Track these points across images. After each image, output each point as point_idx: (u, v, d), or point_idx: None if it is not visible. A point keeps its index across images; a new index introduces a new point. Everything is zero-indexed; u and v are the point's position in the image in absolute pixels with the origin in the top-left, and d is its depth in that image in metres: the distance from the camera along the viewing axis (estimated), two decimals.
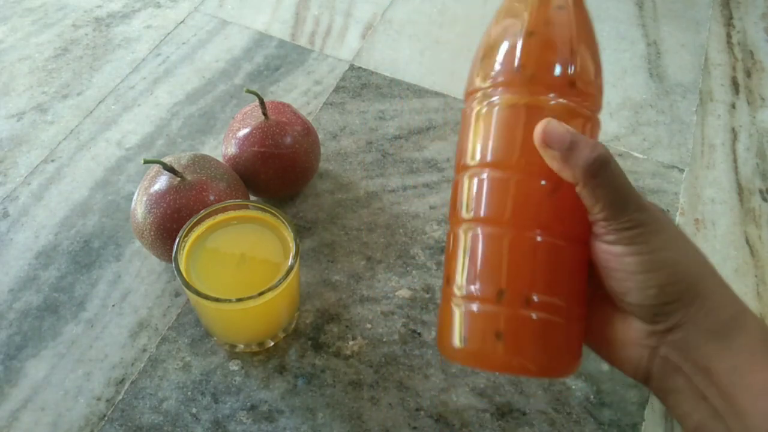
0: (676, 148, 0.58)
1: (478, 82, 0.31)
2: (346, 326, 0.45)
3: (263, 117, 0.46)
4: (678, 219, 0.53)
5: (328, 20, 0.67)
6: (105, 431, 0.40)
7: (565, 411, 0.42)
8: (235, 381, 0.42)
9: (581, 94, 0.29)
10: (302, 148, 0.47)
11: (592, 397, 0.42)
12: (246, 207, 0.41)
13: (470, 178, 0.30)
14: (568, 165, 0.27)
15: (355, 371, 0.43)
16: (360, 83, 0.61)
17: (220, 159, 0.47)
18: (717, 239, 0.52)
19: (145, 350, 0.43)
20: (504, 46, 0.30)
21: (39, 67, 0.60)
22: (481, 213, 0.30)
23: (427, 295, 0.47)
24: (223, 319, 0.40)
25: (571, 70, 0.29)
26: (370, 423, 0.41)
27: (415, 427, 0.41)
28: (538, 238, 0.29)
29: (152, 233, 0.41)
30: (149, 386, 0.41)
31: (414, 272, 0.48)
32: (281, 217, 0.40)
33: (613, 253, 0.28)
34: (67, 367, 0.42)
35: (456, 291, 0.30)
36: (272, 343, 0.43)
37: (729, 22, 0.70)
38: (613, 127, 0.58)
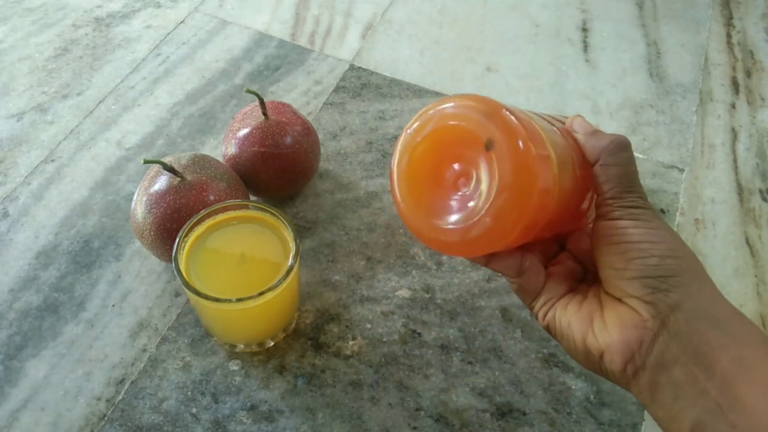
0: (676, 148, 0.58)
1: None
2: (346, 326, 0.45)
3: (263, 117, 0.46)
4: (678, 219, 0.53)
5: (328, 20, 0.67)
6: (105, 431, 0.40)
7: (565, 411, 0.42)
8: (235, 381, 0.42)
9: None
10: (302, 148, 0.47)
11: (592, 397, 0.42)
12: (246, 207, 0.41)
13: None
14: (590, 143, 0.31)
15: (355, 371, 0.43)
16: (360, 83, 0.61)
17: (220, 159, 0.47)
18: (717, 239, 0.52)
19: (145, 350, 0.43)
20: None
21: (39, 67, 0.60)
22: None
23: (427, 295, 0.47)
24: (223, 319, 0.40)
25: None
26: (370, 423, 0.41)
27: (415, 427, 0.41)
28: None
29: (152, 233, 0.41)
30: (149, 386, 0.41)
31: (414, 272, 0.48)
32: (281, 217, 0.40)
33: (618, 227, 0.29)
34: (67, 367, 0.42)
35: None
36: (272, 343, 0.43)
37: (729, 22, 0.70)
38: (613, 127, 0.58)
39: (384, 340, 0.44)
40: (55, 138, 0.55)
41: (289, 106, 0.48)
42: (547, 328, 0.33)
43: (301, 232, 0.50)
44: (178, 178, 0.41)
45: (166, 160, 0.43)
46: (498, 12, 0.69)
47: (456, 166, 0.29)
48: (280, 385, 0.42)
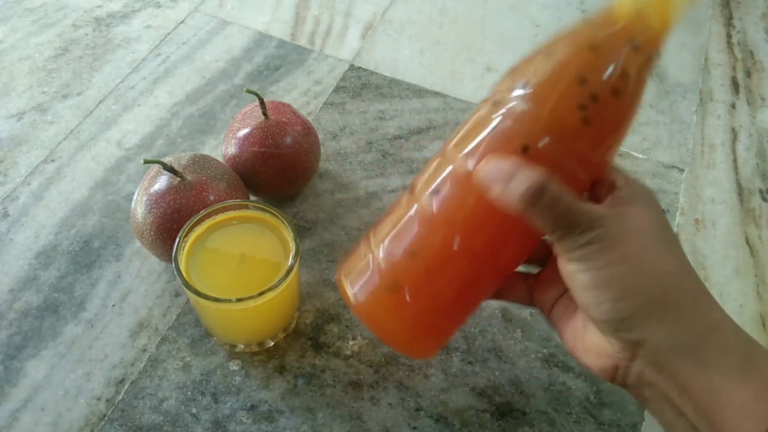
0: (676, 148, 0.58)
1: (504, 85, 0.31)
2: (346, 326, 0.45)
3: (263, 117, 0.46)
4: (678, 219, 0.53)
5: (328, 20, 0.67)
6: (105, 431, 0.40)
7: (565, 411, 0.42)
8: (235, 381, 0.42)
9: (581, 162, 0.30)
10: (302, 148, 0.47)
11: (592, 397, 0.42)
12: (246, 207, 0.41)
13: (440, 163, 0.32)
14: (506, 198, 0.28)
15: (355, 371, 0.43)
16: (360, 83, 0.61)
17: (220, 159, 0.47)
18: (717, 239, 0.52)
19: (145, 350, 0.43)
20: (552, 79, 0.29)
21: (39, 67, 0.60)
22: (426, 199, 0.31)
23: None
24: (223, 319, 0.40)
25: (584, 147, 0.29)
26: (370, 423, 0.41)
27: (415, 427, 0.41)
28: (454, 247, 0.31)
29: (152, 233, 0.41)
30: (149, 386, 0.41)
31: None
32: (281, 217, 0.40)
33: (568, 271, 0.28)
34: (67, 367, 0.42)
35: (372, 240, 0.33)
36: (272, 343, 0.43)
37: (729, 22, 0.70)
38: None
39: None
40: (55, 138, 0.55)
41: (289, 106, 0.48)
42: (555, 327, 0.34)
43: (301, 232, 0.49)
44: (178, 178, 0.41)
45: (166, 160, 0.43)
46: (498, 12, 0.69)
47: None
48: (280, 385, 0.42)
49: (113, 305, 0.45)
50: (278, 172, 0.47)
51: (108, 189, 0.51)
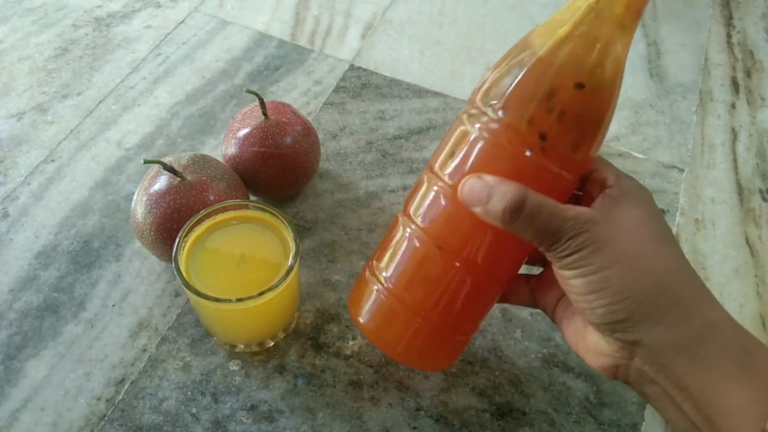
0: (676, 148, 0.58)
1: (479, 98, 0.31)
2: (346, 326, 0.45)
3: (263, 117, 0.46)
4: (678, 219, 0.53)
5: (328, 20, 0.67)
6: (105, 431, 0.40)
7: (565, 411, 0.42)
8: (235, 381, 0.42)
9: (563, 165, 0.29)
10: (302, 148, 0.47)
11: (592, 397, 0.42)
12: (246, 207, 0.41)
13: (428, 183, 0.32)
14: (489, 218, 0.28)
15: (355, 371, 0.43)
16: (360, 83, 0.61)
17: (220, 159, 0.47)
18: (717, 239, 0.52)
19: (145, 350, 0.43)
20: (519, 86, 0.29)
21: (39, 67, 0.60)
22: (420, 220, 0.33)
23: None
24: (223, 319, 0.40)
25: (565, 146, 0.29)
26: (370, 423, 0.41)
27: (415, 427, 0.41)
28: (455, 264, 0.31)
29: (152, 233, 0.41)
30: (149, 386, 0.41)
31: None
32: (281, 217, 0.40)
33: (562, 277, 0.29)
34: (67, 367, 0.42)
35: (375, 268, 0.35)
36: (272, 343, 0.43)
37: (729, 22, 0.70)
38: (613, 127, 0.58)
39: None
40: (55, 138, 0.55)
41: (289, 106, 0.48)
42: (560, 326, 0.34)
43: (301, 232, 0.49)
44: (178, 178, 0.41)
45: (166, 160, 0.43)
46: (498, 12, 0.69)
47: None
48: (280, 385, 0.42)
49: (113, 305, 0.45)
50: (278, 172, 0.47)
51: (108, 189, 0.51)
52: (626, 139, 0.58)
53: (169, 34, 0.64)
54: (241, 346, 0.43)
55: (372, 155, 0.55)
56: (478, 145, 0.30)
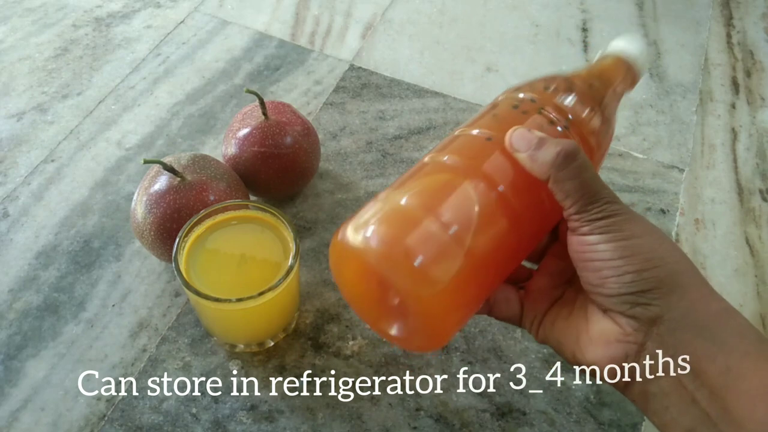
0: (676, 148, 0.58)
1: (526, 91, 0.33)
2: (346, 326, 0.45)
3: (263, 117, 0.46)
4: (678, 219, 0.53)
5: (328, 20, 0.67)
6: (105, 431, 0.40)
7: (565, 411, 0.42)
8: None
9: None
10: (302, 148, 0.47)
11: (592, 397, 0.42)
12: (246, 207, 0.41)
13: (462, 135, 0.32)
14: (536, 163, 0.28)
15: (355, 371, 0.43)
16: (360, 83, 0.61)
17: (220, 159, 0.47)
18: (717, 239, 0.52)
19: (145, 350, 0.43)
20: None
21: (39, 67, 0.60)
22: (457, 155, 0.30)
23: None
24: (223, 319, 0.40)
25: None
26: (370, 423, 0.41)
27: (415, 427, 0.41)
28: (493, 194, 0.29)
29: (152, 233, 0.41)
30: (149, 386, 0.41)
31: None
32: (281, 217, 0.40)
33: (588, 243, 0.28)
34: (67, 367, 0.42)
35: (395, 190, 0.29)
36: (272, 343, 0.43)
37: (729, 22, 0.70)
38: None
39: (384, 340, 0.44)
40: (55, 138, 0.55)
41: (289, 106, 0.48)
42: (544, 343, 0.33)
43: (301, 232, 0.50)
44: (178, 178, 0.41)
45: (166, 160, 0.43)
46: (498, 12, 0.69)
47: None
48: (280, 385, 0.42)
49: (113, 305, 0.45)
50: (278, 172, 0.47)
51: (108, 189, 0.51)
52: (626, 139, 0.58)
53: (169, 34, 0.64)
54: (241, 346, 0.43)
55: (372, 155, 0.55)
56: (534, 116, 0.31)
